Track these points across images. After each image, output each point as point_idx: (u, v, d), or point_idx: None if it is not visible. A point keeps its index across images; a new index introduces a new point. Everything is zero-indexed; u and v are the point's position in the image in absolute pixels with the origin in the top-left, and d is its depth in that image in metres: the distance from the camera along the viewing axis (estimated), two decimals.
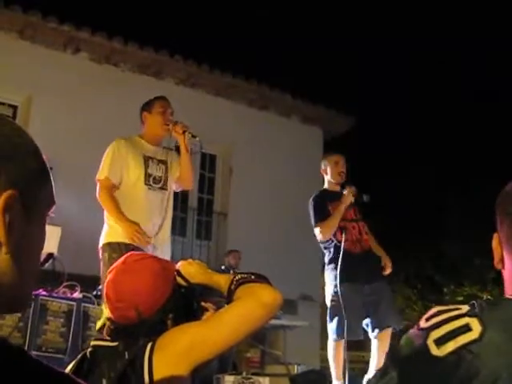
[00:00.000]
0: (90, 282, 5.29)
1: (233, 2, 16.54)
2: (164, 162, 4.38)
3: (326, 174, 5.39)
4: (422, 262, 15.75)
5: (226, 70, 10.00)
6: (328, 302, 5.13)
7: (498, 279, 1.22)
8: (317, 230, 5.12)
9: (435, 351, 0.96)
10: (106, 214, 4.25)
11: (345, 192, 5.19)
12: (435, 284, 16.22)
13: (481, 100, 16.84)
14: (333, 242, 5.15)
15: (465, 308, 1.03)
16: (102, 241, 4.16)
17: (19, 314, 4.31)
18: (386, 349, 5.06)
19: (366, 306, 5.08)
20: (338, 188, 5.31)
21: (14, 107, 8.68)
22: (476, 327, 0.97)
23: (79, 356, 1.85)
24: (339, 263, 5.00)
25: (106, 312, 2.01)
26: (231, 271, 8.31)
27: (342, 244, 5.04)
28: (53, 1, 9.67)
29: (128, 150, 4.29)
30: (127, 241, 4.00)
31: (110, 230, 4.15)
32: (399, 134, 16.87)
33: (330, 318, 5.07)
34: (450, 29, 17.80)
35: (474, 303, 1.04)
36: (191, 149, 4.48)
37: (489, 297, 15.73)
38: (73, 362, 1.85)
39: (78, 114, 8.63)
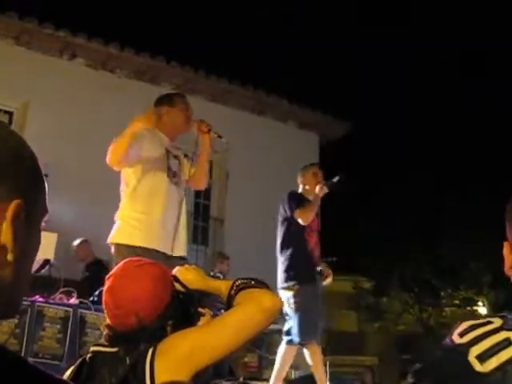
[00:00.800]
0: (86, 288, 5.29)
1: (229, 8, 16.58)
2: (178, 159, 4.24)
3: (304, 184, 5.49)
4: (418, 266, 15.77)
5: (222, 76, 10.02)
6: (291, 304, 5.07)
7: (494, 283, 1.22)
8: (298, 213, 5.16)
9: (479, 367, 0.94)
10: (121, 208, 4.04)
11: (317, 189, 5.24)
12: (432, 288, 16.23)
13: (479, 104, 16.87)
14: (299, 242, 5.21)
15: (497, 321, 1.01)
16: (112, 238, 3.94)
17: (16, 321, 4.30)
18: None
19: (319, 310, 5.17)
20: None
21: (10, 113, 8.67)
22: None
23: (78, 362, 1.84)
24: (306, 265, 5.10)
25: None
26: (221, 277, 8.31)
27: (308, 246, 5.17)
28: (49, 7, 9.71)
29: (153, 135, 4.12)
30: (143, 244, 3.79)
31: (126, 229, 3.94)
32: (396, 138, 16.93)
33: (298, 319, 5.00)
34: (447, 34, 17.85)
35: (505, 316, 1.02)
36: (216, 149, 4.44)
37: (484, 300, 15.74)
38: (71, 368, 1.84)
39: (74, 120, 8.63)
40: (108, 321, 1.89)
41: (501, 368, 0.93)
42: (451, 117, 17.11)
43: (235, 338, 1.75)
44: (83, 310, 4.81)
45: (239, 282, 1.88)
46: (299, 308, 4.98)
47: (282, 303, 1.85)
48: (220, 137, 4.31)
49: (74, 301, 4.90)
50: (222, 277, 8.25)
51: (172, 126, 4.25)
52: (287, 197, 5.26)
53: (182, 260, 3.95)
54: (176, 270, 2.00)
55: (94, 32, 8.96)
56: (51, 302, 4.74)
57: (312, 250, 5.25)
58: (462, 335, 1.01)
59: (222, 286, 1.93)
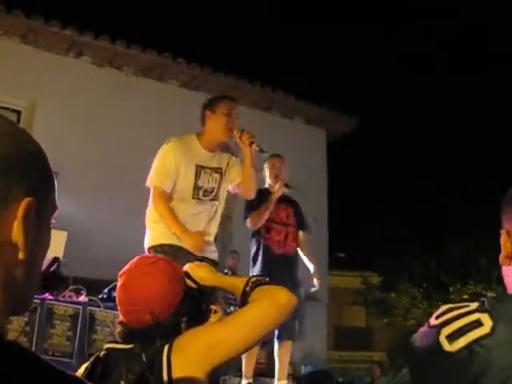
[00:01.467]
0: (95, 286, 5.31)
1: (235, 5, 16.57)
2: (219, 171, 4.08)
3: (265, 176, 5.51)
4: (427, 261, 15.73)
5: (229, 73, 10.01)
6: None
7: (503, 278, 1.22)
8: (248, 220, 5.20)
9: (447, 347, 0.97)
10: (148, 216, 4.01)
11: (276, 186, 5.22)
12: (441, 283, 16.19)
13: (482, 101, 16.82)
14: (256, 238, 5.30)
15: (474, 305, 1.04)
16: (147, 244, 3.93)
17: (26, 318, 4.32)
18: (287, 360, 5.21)
19: None
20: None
21: (18, 112, 8.69)
22: (487, 322, 0.98)
23: (92, 359, 1.84)
24: (259, 260, 5.16)
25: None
26: (229, 273, 8.32)
27: (264, 242, 5.20)
28: (55, 5, 9.71)
29: (182, 157, 3.93)
30: (170, 242, 3.81)
31: (153, 233, 3.94)
32: (403, 134, 16.88)
33: None
34: (451, 31, 17.80)
35: (483, 300, 1.05)
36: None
37: (493, 294, 15.71)
38: (85, 365, 1.84)
39: (81, 117, 8.65)
40: (122, 317, 1.87)
41: (468, 347, 0.95)
42: (459, 112, 17.06)
43: (252, 334, 1.75)
44: (92, 308, 4.83)
45: (254, 278, 1.89)
46: None
47: (296, 300, 1.83)
48: (262, 151, 4.13)
49: (83, 298, 4.92)
50: (230, 273, 8.27)
51: (212, 134, 4.05)
52: (245, 202, 5.22)
53: (215, 263, 3.99)
54: (187, 267, 1.99)
55: (101, 30, 8.97)
56: (61, 299, 4.76)
57: (279, 246, 5.26)
58: (437, 317, 1.05)
59: (235, 283, 1.94)
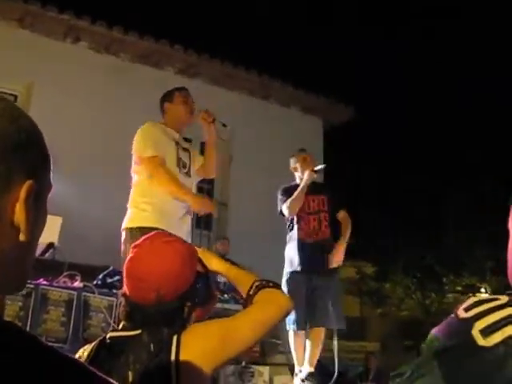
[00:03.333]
0: (90, 272, 5.31)
1: None
2: (187, 151, 4.38)
3: (296, 171, 5.60)
4: (422, 252, 15.77)
5: (226, 60, 9.98)
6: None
7: (497, 270, 1.21)
8: (284, 207, 5.32)
9: (482, 342, 0.94)
10: (132, 195, 4.15)
11: (305, 175, 5.33)
12: (435, 274, 16.24)
13: (481, 91, 16.81)
14: (289, 227, 5.38)
15: (504, 298, 1.01)
16: (125, 224, 4.02)
17: (20, 304, 4.32)
18: (319, 346, 5.24)
19: (311, 297, 5.16)
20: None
21: (14, 96, 8.67)
22: None
23: (95, 343, 1.84)
24: (290, 253, 5.24)
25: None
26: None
27: (296, 233, 5.26)
28: None
29: (162, 133, 4.26)
30: (158, 225, 3.88)
31: (141, 214, 4.02)
32: (400, 124, 16.87)
33: None
34: (452, 20, 17.77)
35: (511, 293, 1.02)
36: (220, 137, 4.57)
37: (487, 287, 15.77)
38: (87, 348, 1.83)
39: (78, 103, 8.62)
40: (126, 290, 1.87)
41: (504, 343, 0.93)
42: (457, 103, 17.06)
43: (256, 334, 1.83)
44: (87, 294, 4.83)
45: (258, 282, 1.96)
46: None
47: (292, 305, 1.96)
48: (224, 125, 4.48)
49: (77, 284, 4.93)
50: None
51: (176, 120, 4.38)
52: (278, 194, 5.54)
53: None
54: (199, 252, 2.00)
55: (98, 15, 8.93)
56: (55, 285, 4.77)
57: (311, 234, 5.29)
58: (467, 310, 1.01)
59: (241, 277, 2.03)
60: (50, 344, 0.77)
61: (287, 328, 5.19)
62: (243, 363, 6.90)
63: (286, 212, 5.32)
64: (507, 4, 14.60)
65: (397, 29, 17.70)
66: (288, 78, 10.69)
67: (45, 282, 4.69)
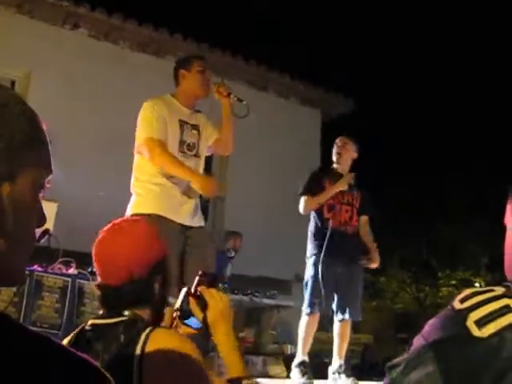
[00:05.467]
0: (85, 259, 5.30)
1: None
2: (196, 127, 4.16)
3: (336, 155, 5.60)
4: (417, 247, 15.80)
5: (225, 50, 9.95)
6: (306, 275, 5.26)
7: (491, 265, 1.21)
8: (301, 200, 5.29)
9: (476, 332, 0.95)
10: (132, 181, 4.01)
11: (345, 177, 5.32)
12: (430, 268, 16.28)
13: (482, 81, 16.79)
14: (319, 216, 5.29)
15: (499, 289, 1.02)
16: (130, 211, 3.88)
17: (14, 289, 4.32)
18: (347, 339, 5.31)
19: (337, 286, 5.19)
20: (343, 170, 5.52)
21: (12, 82, 8.63)
22: None
23: (76, 331, 1.86)
24: (323, 238, 5.16)
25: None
26: (232, 254, 8.35)
27: (330, 221, 5.20)
28: None
29: (164, 112, 4.00)
30: (156, 211, 3.77)
31: (139, 199, 3.92)
32: (398, 117, 16.84)
33: (307, 290, 5.20)
34: (454, 12, 17.73)
35: (509, 285, 1.03)
36: (236, 113, 4.33)
37: (481, 282, 15.82)
38: (68, 337, 1.84)
39: (76, 89, 8.60)
40: (98, 278, 1.90)
41: (498, 334, 0.94)
42: (454, 95, 17.04)
43: None
44: (81, 281, 4.84)
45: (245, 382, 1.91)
46: (307, 279, 5.20)
47: None
48: (240, 100, 4.28)
49: (72, 271, 4.93)
50: (233, 254, 8.32)
51: (190, 91, 4.14)
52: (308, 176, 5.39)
53: (201, 229, 4.06)
54: (222, 308, 1.96)
55: (97, 2, 8.88)
56: (50, 271, 4.77)
57: (340, 225, 5.31)
58: (462, 301, 1.02)
59: (231, 363, 1.92)
60: (43, 330, 0.77)
61: (305, 311, 5.19)
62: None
63: (300, 207, 5.28)
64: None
65: (397, 19, 17.66)
66: (287, 70, 10.67)
67: (39, 269, 4.69)
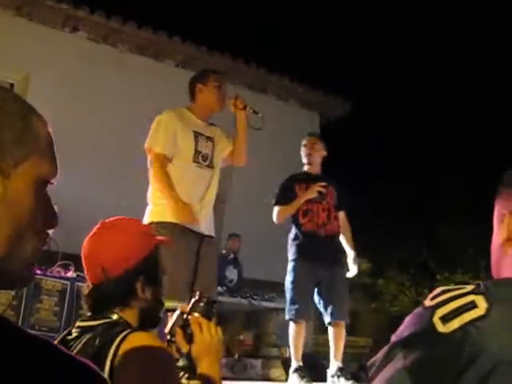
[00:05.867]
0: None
1: None
2: (211, 139, 4.20)
3: (305, 156, 5.63)
4: (416, 249, 15.80)
5: (224, 53, 9.96)
6: (286, 281, 5.22)
7: (490, 268, 1.22)
8: (274, 211, 5.32)
9: (441, 328, 0.96)
10: (151, 191, 4.04)
11: (313, 187, 5.29)
12: (429, 270, 16.28)
13: (479, 84, 16.80)
14: (295, 222, 5.29)
15: (469, 287, 1.03)
16: (148, 219, 3.93)
17: (13, 292, 4.32)
18: (342, 341, 5.26)
19: (320, 290, 5.19)
20: (314, 170, 5.53)
21: (11, 85, 8.62)
22: (482, 304, 0.97)
23: (64, 333, 1.84)
24: (298, 243, 5.17)
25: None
26: (231, 256, 8.36)
27: (304, 226, 5.20)
28: None
29: (178, 124, 4.05)
30: (173, 220, 3.84)
31: (156, 209, 3.96)
32: (396, 119, 16.85)
33: (286, 297, 5.18)
34: (452, 16, 17.76)
35: (479, 283, 1.04)
36: (251, 125, 4.42)
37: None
38: (55, 341, 1.79)
39: (75, 93, 8.60)
40: (86, 276, 1.88)
41: (462, 328, 0.95)
42: (453, 98, 17.05)
43: None
44: (80, 284, 4.83)
45: None
46: (287, 285, 5.15)
47: None
48: (256, 112, 4.39)
49: (71, 274, 4.93)
50: (232, 256, 8.32)
51: (206, 105, 4.19)
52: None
53: (211, 238, 4.11)
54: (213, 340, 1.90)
55: (97, 5, 8.88)
56: (49, 274, 4.77)
57: (318, 226, 5.27)
58: (432, 298, 1.03)
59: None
60: (42, 333, 0.76)
61: (287, 318, 5.17)
62: (236, 356, 6.91)
63: (274, 217, 5.30)
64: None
65: (395, 23, 17.68)
66: (286, 72, 10.68)
67: (38, 272, 4.69)
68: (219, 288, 6.75)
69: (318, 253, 5.10)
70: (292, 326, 5.18)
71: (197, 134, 4.10)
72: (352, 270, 5.40)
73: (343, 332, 5.27)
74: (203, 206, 4.06)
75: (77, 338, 1.74)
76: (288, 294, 5.14)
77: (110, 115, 8.67)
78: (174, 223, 3.84)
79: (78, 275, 4.92)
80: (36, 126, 0.87)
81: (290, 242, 5.35)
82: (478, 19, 17.02)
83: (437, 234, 15.52)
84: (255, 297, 7.94)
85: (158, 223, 3.81)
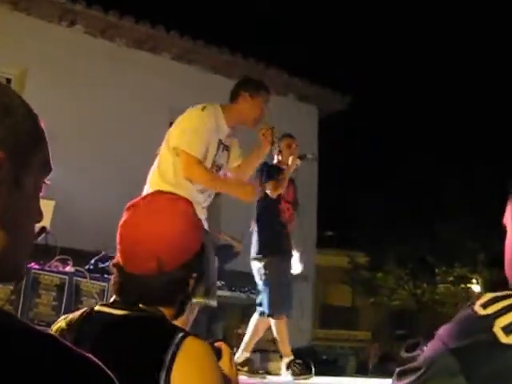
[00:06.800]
0: (82, 256, 5.30)
1: None
2: (227, 148, 4.09)
3: (279, 155, 5.46)
4: (415, 243, 15.81)
5: (222, 47, 9.95)
6: (260, 275, 5.19)
7: (488, 262, 1.21)
8: (270, 186, 5.18)
9: (505, 339, 0.93)
10: (157, 180, 3.87)
11: (289, 160, 5.26)
12: (427, 265, 16.30)
13: (479, 80, 16.80)
14: (267, 218, 5.26)
15: None
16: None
17: (11, 287, 4.31)
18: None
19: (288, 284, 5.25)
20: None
21: (8, 80, 8.61)
22: None
23: (77, 316, 1.60)
24: (273, 239, 5.17)
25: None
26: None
27: (277, 218, 5.22)
28: None
29: (213, 129, 3.88)
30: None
31: None
32: (395, 115, 16.86)
33: (268, 292, 5.11)
34: (452, 12, 17.75)
35: None
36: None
37: (478, 278, 15.83)
38: (64, 322, 1.62)
39: (72, 87, 8.58)
40: (119, 259, 1.58)
41: None
42: (452, 94, 17.06)
43: None
44: (79, 278, 4.83)
45: None
46: (268, 280, 5.10)
47: None
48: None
49: (69, 269, 4.92)
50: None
51: (242, 115, 4.08)
52: (261, 168, 5.15)
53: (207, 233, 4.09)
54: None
55: None
56: (47, 269, 4.76)
57: (286, 222, 5.30)
58: (485, 307, 1.00)
59: None
60: (40, 328, 0.76)
61: (261, 311, 5.16)
62: (234, 349, 6.91)
63: (270, 191, 5.19)
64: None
65: (395, 18, 17.66)
66: (284, 66, 10.68)
67: (36, 266, 4.68)
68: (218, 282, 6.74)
69: (286, 248, 5.28)
70: (256, 319, 5.23)
71: (220, 144, 3.98)
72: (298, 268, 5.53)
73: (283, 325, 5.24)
74: (204, 211, 4.03)
75: (102, 327, 1.49)
76: (273, 290, 5.15)
77: (107, 109, 8.65)
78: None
79: (76, 270, 4.92)
80: (41, 129, 0.87)
81: (264, 234, 5.34)
82: (479, 21, 17.02)
83: (435, 228, 15.54)
84: (253, 291, 7.95)
85: None
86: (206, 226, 3.98)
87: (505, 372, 0.92)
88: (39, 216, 0.88)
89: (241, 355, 5.18)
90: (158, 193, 1.71)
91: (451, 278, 16.36)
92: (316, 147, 10.88)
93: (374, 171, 16.20)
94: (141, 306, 1.51)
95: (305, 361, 5.19)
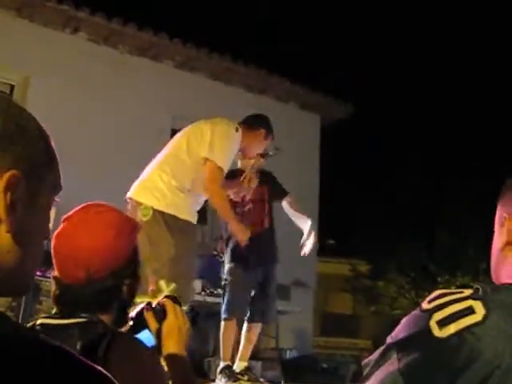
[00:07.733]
0: None
1: None
2: None
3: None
4: (416, 251, 15.78)
5: (224, 54, 9.96)
6: (224, 281, 5.24)
7: (490, 270, 1.22)
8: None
9: (437, 332, 0.96)
10: (164, 175, 4.00)
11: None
12: (429, 273, 16.26)
13: (480, 86, 16.82)
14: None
15: (468, 291, 1.03)
16: (153, 202, 3.88)
17: None
18: (253, 341, 5.20)
19: (255, 288, 5.18)
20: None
21: (11, 86, 8.63)
22: (479, 310, 0.97)
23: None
24: (230, 245, 5.15)
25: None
26: (223, 258, 8.34)
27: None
28: None
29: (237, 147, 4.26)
30: (193, 220, 3.97)
31: (176, 201, 3.94)
32: (397, 122, 16.87)
33: (224, 296, 5.17)
34: (452, 18, 17.78)
35: (477, 287, 1.04)
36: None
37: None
38: None
39: (75, 94, 8.60)
40: (55, 271, 1.67)
41: (458, 334, 0.95)
42: (453, 99, 17.07)
43: None
44: None
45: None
46: (225, 285, 5.18)
47: None
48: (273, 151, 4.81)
49: None
50: (223, 257, 8.30)
51: (251, 148, 4.49)
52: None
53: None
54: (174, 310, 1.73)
55: (97, 6, 8.89)
56: (48, 276, 4.75)
57: (253, 224, 5.20)
58: (430, 302, 1.04)
59: (179, 375, 1.70)
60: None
61: (224, 317, 5.11)
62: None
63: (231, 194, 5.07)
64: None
65: (396, 25, 17.70)
66: (286, 74, 10.69)
67: (37, 273, 4.68)
68: (216, 290, 6.74)
69: (248, 255, 5.12)
70: (224, 325, 5.16)
71: None
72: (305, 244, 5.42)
73: (257, 334, 5.26)
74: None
75: (47, 335, 1.57)
76: (227, 294, 5.17)
77: (110, 116, 8.67)
78: (193, 223, 3.99)
79: None
80: (53, 148, 0.89)
81: (225, 242, 5.35)
82: (479, 27, 17.05)
83: (437, 236, 15.51)
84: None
85: (182, 220, 3.89)
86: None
87: (435, 364, 0.95)
88: (47, 233, 0.90)
89: (238, 364, 5.14)
90: (89, 205, 1.78)
91: (453, 287, 16.31)
92: (318, 155, 10.88)
93: (376, 179, 16.19)
94: (82, 314, 1.60)
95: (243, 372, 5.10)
